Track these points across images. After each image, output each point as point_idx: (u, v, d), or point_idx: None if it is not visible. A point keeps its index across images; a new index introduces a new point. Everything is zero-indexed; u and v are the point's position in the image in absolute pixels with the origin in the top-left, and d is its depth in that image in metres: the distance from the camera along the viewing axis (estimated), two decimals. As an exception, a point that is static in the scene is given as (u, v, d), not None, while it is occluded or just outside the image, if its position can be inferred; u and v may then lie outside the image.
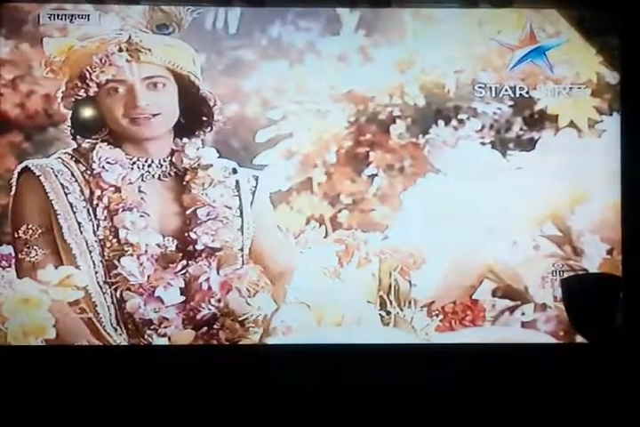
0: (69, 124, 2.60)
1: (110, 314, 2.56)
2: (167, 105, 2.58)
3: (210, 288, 2.59)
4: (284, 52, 2.67)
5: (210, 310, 2.59)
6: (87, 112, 2.58)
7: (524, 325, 2.71)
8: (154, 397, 2.56)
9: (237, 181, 2.63)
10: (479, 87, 2.70)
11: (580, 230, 2.71)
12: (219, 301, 2.59)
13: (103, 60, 2.54)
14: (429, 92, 2.70)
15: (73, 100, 2.57)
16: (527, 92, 2.70)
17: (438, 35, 2.69)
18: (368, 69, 2.69)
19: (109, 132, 2.59)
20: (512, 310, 2.72)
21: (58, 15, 2.62)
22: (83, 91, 2.55)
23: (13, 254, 2.56)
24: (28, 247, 2.54)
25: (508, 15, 2.70)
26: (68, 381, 2.55)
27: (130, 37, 2.57)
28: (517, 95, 2.70)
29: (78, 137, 2.59)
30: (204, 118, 2.62)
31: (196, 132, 2.62)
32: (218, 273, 2.60)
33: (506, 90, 2.70)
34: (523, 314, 2.71)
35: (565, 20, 2.66)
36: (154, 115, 2.56)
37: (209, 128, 2.62)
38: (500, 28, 2.69)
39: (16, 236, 2.55)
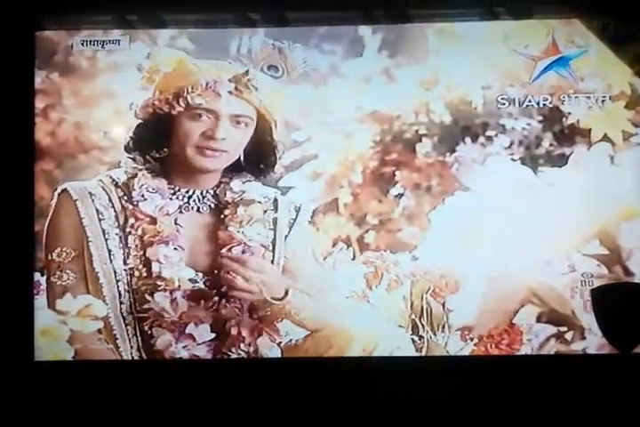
0: (131, 135, 2.57)
1: (132, 347, 2.51)
2: (237, 144, 2.54)
3: (239, 333, 2.52)
4: (307, 76, 2.66)
5: (239, 355, 2.53)
6: (157, 128, 2.53)
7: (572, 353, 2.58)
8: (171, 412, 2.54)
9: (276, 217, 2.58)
10: (507, 102, 2.64)
11: (630, 249, 2.59)
12: (249, 345, 2.53)
13: (209, 85, 2.51)
14: (455, 109, 2.65)
15: (151, 111, 2.53)
16: (557, 107, 2.63)
17: (463, 51, 2.65)
18: (392, 89, 2.66)
19: (166, 156, 2.54)
20: (558, 336, 2.60)
21: (90, 41, 2.68)
22: (168, 106, 2.50)
23: (41, 280, 2.56)
24: (61, 271, 2.52)
25: (535, 28, 2.64)
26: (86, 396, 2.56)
27: (247, 71, 2.55)
28: (547, 110, 2.63)
29: (132, 152, 2.56)
30: (263, 167, 2.59)
31: (251, 175, 2.59)
32: (250, 316, 2.53)
33: (532, 104, 2.63)
34: (570, 341, 2.58)
35: (590, 31, 2.59)
36: (222, 151, 2.52)
37: (262, 176, 2.59)
38: (528, 43, 2.64)
39: (49, 258, 2.54)
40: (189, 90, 2.50)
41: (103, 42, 2.69)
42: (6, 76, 2.65)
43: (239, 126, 2.53)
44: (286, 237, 2.58)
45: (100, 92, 2.67)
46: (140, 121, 2.56)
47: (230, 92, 2.52)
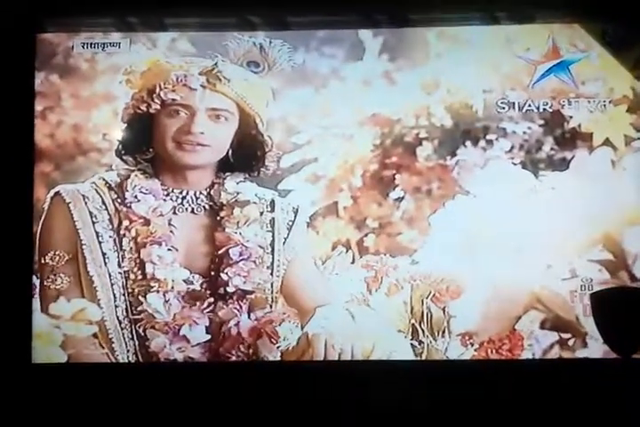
0: (120, 138, 2.58)
1: (128, 351, 2.48)
2: (220, 139, 2.52)
3: (239, 333, 2.50)
4: (308, 79, 2.66)
5: (239, 357, 2.50)
6: (140, 129, 2.53)
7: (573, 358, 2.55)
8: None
9: (273, 217, 2.57)
10: (508, 106, 2.63)
11: (636, 254, 2.57)
12: (248, 347, 2.51)
13: (179, 79, 2.51)
14: (456, 112, 2.64)
15: (132, 112, 2.53)
16: (558, 111, 2.61)
17: (464, 55, 2.64)
18: (393, 92, 2.65)
19: (153, 156, 2.53)
20: (561, 343, 2.57)
21: (91, 44, 2.68)
22: (145, 105, 2.50)
23: (37, 283, 2.53)
24: (55, 275, 2.50)
25: (536, 32, 2.63)
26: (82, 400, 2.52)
27: (216, 63, 2.55)
28: (548, 114, 2.62)
29: (123, 155, 2.56)
30: (254, 162, 2.57)
31: (243, 173, 2.58)
32: (249, 317, 2.51)
33: (533, 108, 2.61)
34: (573, 348, 2.55)
35: (591, 36, 2.59)
36: (203, 145, 2.51)
37: (256, 173, 2.58)
38: (529, 46, 2.63)
39: (43, 262, 2.52)
40: (162, 86, 2.50)
41: (103, 44, 2.68)
42: (6, 78, 2.64)
43: (219, 121, 2.52)
44: (285, 239, 2.56)
45: (99, 94, 2.66)
46: (125, 124, 2.56)
47: (204, 86, 2.52)
